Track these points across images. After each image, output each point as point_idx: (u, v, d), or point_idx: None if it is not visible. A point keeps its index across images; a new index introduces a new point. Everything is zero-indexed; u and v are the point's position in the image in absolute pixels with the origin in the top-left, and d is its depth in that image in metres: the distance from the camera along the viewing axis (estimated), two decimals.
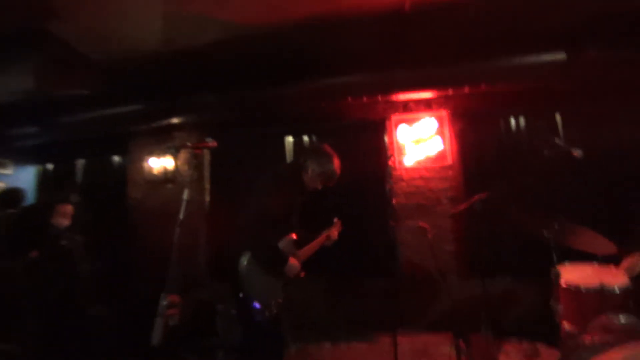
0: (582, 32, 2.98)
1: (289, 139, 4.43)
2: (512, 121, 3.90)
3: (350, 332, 3.73)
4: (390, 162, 3.95)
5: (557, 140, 2.48)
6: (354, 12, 2.79)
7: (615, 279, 2.37)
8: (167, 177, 4.54)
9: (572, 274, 2.46)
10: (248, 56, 3.31)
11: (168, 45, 3.09)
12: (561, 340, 2.33)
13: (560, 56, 3.05)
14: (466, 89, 3.64)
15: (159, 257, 2.10)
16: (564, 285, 2.39)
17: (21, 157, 5.18)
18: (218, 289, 3.53)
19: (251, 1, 2.66)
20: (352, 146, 4.00)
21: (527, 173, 3.13)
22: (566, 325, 2.37)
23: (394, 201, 3.82)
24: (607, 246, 2.42)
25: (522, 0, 2.77)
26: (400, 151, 4.00)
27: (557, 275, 2.37)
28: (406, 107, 4.04)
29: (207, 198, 4.55)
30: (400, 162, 4.00)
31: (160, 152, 4.53)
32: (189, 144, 2.12)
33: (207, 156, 4.55)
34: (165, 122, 4.07)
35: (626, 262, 2.42)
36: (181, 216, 1.78)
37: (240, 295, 2.04)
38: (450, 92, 3.77)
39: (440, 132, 3.92)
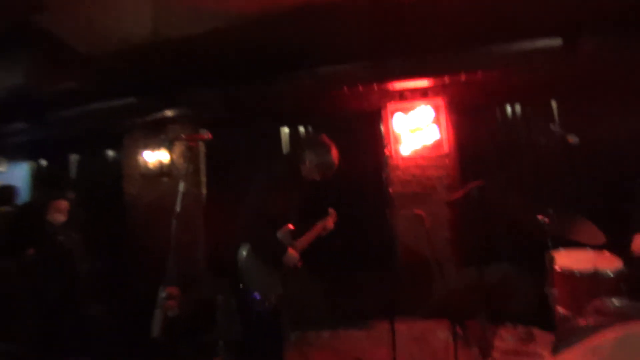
0: (578, 18, 2.96)
1: (285, 130, 4.41)
2: (509, 109, 3.90)
3: (348, 320, 3.78)
4: (386, 151, 3.95)
5: (552, 127, 2.49)
6: None
7: (609, 263, 2.41)
8: (162, 171, 4.51)
9: (566, 259, 2.49)
10: (241, 46, 3.26)
11: (159, 37, 3.03)
12: (556, 324, 2.37)
13: (556, 43, 3.03)
14: (462, 77, 3.62)
15: (156, 251, 2.11)
16: (558, 270, 2.42)
17: (14, 154, 5.12)
18: (217, 281, 3.55)
19: None
20: (348, 136, 3.98)
21: (523, 161, 3.14)
22: (561, 310, 2.41)
23: (390, 190, 3.83)
24: (597, 236, 2.45)
25: None
26: (397, 140, 4.00)
27: (552, 261, 2.40)
28: (402, 96, 4.02)
29: (204, 191, 4.53)
30: (397, 151, 4.00)
31: (155, 145, 4.49)
32: (183, 136, 2.10)
33: (202, 149, 4.51)
34: (159, 115, 4.04)
35: (637, 242, 2.40)
36: (178, 209, 1.78)
37: (241, 286, 2.05)
38: (446, 80, 3.75)
39: (436, 120, 3.91)
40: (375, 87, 3.86)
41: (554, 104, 3.75)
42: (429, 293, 3.88)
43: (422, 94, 3.98)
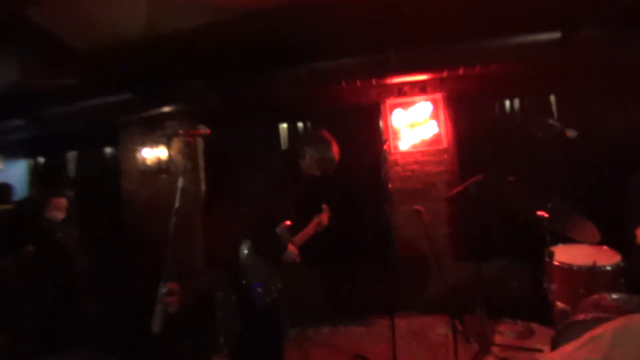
0: (576, 11, 2.94)
1: (283, 125, 4.39)
2: (507, 103, 3.89)
3: (347, 316, 3.79)
4: (385, 147, 3.94)
5: (551, 121, 2.49)
6: None
7: (608, 258, 2.41)
8: (160, 167, 4.49)
9: (565, 254, 2.50)
10: (237, 40, 3.23)
11: (153, 31, 3.00)
12: (555, 319, 2.38)
13: (555, 36, 3.02)
14: (461, 71, 3.61)
15: (155, 248, 2.10)
16: (557, 265, 2.43)
17: (11, 151, 5.09)
18: (216, 277, 3.55)
19: None
20: (346, 131, 3.97)
21: (521, 155, 3.14)
22: (559, 304, 2.41)
23: (389, 186, 3.82)
24: (593, 235, 2.45)
25: None
26: (395, 135, 3.99)
27: (551, 255, 2.41)
28: (401, 91, 4.01)
29: (203, 187, 4.52)
30: (396, 147, 3.99)
31: (153, 141, 4.47)
32: (181, 131, 2.08)
33: (200, 145, 4.50)
34: (155, 111, 4.01)
35: None
36: (177, 204, 1.77)
37: (243, 282, 2.04)
38: (445, 74, 3.74)
39: (435, 115, 3.90)
40: (374, 82, 3.84)
41: (552, 98, 3.75)
42: (428, 289, 3.89)
43: (421, 89, 3.97)
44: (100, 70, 3.52)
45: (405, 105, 3.96)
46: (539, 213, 2.43)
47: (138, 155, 4.53)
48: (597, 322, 1.55)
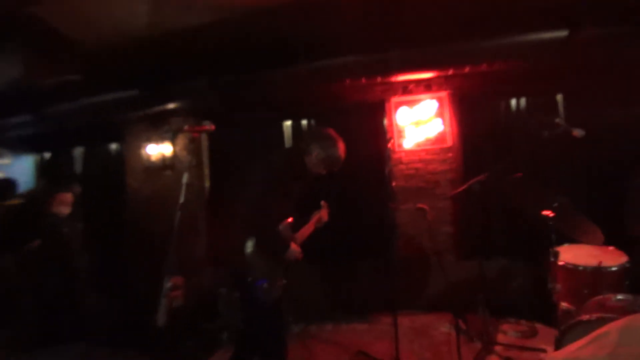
0: (583, 8, 2.91)
1: (288, 123, 4.39)
2: (513, 102, 3.86)
3: (350, 313, 3.80)
4: (389, 145, 3.92)
5: (557, 120, 2.47)
6: None
7: (613, 258, 2.39)
8: (165, 164, 4.52)
9: (570, 254, 2.48)
10: (241, 38, 3.23)
11: (157, 29, 3.00)
12: (559, 319, 2.37)
13: (561, 34, 2.99)
14: (467, 69, 3.58)
15: (159, 243, 2.11)
16: (562, 264, 2.42)
17: (18, 147, 5.14)
18: (220, 274, 3.57)
19: None
20: (351, 129, 3.95)
21: (527, 154, 3.12)
22: (563, 305, 2.40)
23: (393, 184, 3.81)
24: (597, 238, 2.44)
25: None
26: (400, 133, 3.98)
27: (556, 255, 2.40)
28: (406, 89, 3.99)
29: (207, 184, 4.54)
30: (400, 145, 3.98)
31: (158, 138, 4.49)
32: (186, 127, 2.09)
33: (205, 142, 4.51)
34: (160, 108, 4.02)
35: None
36: (181, 200, 1.78)
37: (249, 279, 2.05)
38: (450, 72, 3.72)
39: (440, 113, 3.88)
40: (379, 79, 3.82)
41: (559, 97, 3.71)
42: (430, 287, 3.88)
43: (426, 87, 3.95)
44: (104, 67, 3.54)
45: (410, 103, 3.94)
46: (544, 212, 2.42)
47: (143, 152, 4.56)
48: (601, 322, 1.54)
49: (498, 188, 2.86)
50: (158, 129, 4.43)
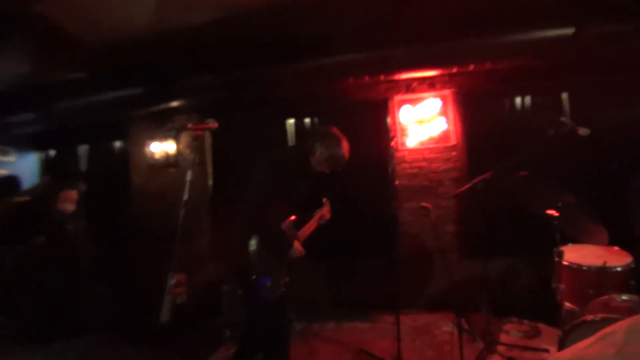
0: (590, 5, 2.88)
1: (290, 121, 4.39)
2: (518, 100, 3.84)
3: (353, 312, 3.80)
4: (392, 144, 3.92)
5: (563, 119, 2.45)
6: None
7: (618, 258, 2.38)
8: (169, 161, 4.53)
9: (574, 254, 2.47)
10: (245, 35, 3.23)
11: (161, 26, 3.01)
12: (562, 319, 2.36)
13: (568, 31, 2.96)
14: (471, 67, 3.56)
15: (163, 240, 2.12)
16: (566, 264, 2.40)
17: (22, 144, 5.18)
18: (223, 271, 3.58)
19: None
20: (354, 127, 3.95)
21: (532, 153, 3.10)
22: (567, 305, 2.39)
23: (396, 182, 3.80)
24: (602, 239, 2.42)
25: None
26: (403, 132, 3.96)
27: (560, 255, 2.38)
28: (409, 88, 3.97)
29: (210, 181, 4.56)
30: (403, 144, 3.97)
31: (161, 135, 4.51)
32: (189, 125, 2.09)
33: (208, 140, 4.52)
34: (163, 106, 4.03)
35: None
36: (185, 197, 1.78)
37: (253, 277, 2.05)
38: (454, 70, 3.69)
39: (444, 112, 3.86)
40: (382, 77, 3.81)
41: (564, 95, 3.68)
42: (434, 286, 3.88)
43: (430, 85, 3.93)
44: (108, 65, 3.55)
45: (413, 102, 3.93)
46: (549, 212, 2.40)
47: (147, 149, 4.58)
48: (606, 322, 1.53)
49: (502, 187, 2.85)
50: (162, 126, 4.44)
